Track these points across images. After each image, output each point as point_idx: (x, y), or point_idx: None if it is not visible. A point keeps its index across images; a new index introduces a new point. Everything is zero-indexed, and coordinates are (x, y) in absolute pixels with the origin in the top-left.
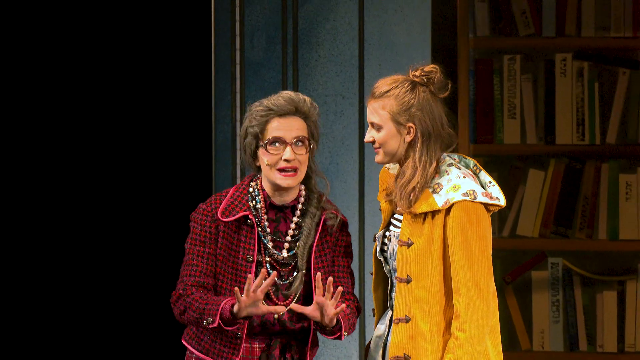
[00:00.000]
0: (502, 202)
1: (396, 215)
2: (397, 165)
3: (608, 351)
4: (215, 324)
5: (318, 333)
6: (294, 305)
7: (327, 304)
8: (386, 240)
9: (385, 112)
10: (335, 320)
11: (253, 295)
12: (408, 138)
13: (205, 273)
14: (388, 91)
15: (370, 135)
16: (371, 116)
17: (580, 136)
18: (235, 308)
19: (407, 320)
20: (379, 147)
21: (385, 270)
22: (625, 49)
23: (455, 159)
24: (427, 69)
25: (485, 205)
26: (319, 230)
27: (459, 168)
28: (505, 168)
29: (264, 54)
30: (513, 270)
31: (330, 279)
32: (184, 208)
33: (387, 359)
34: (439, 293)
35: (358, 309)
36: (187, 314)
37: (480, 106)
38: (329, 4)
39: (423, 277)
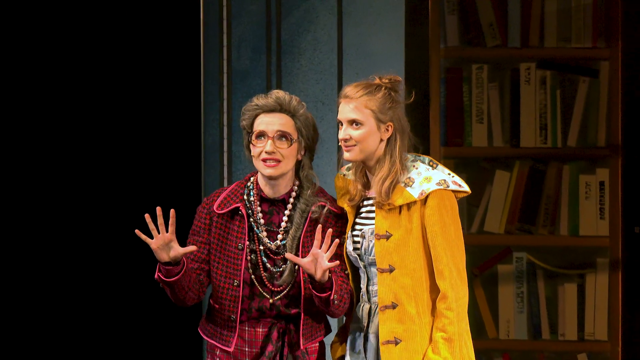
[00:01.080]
0: (467, 188)
1: (363, 215)
2: (351, 171)
3: (569, 339)
4: (155, 276)
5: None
6: (289, 255)
7: (321, 255)
8: (358, 239)
9: (368, 110)
10: (327, 277)
11: (162, 236)
12: (386, 135)
13: (192, 259)
14: (370, 92)
15: (347, 132)
16: (352, 114)
17: (543, 140)
18: (158, 254)
19: (394, 307)
20: (355, 145)
21: (360, 266)
22: (585, 59)
23: (412, 157)
24: (393, 77)
25: (454, 192)
26: (307, 223)
27: (424, 162)
28: (473, 169)
29: (249, 63)
30: (481, 264)
31: (330, 230)
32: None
33: (370, 345)
34: (422, 278)
35: (350, 293)
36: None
37: (451, 112)
38: (310, 17)
39: (406, 265)
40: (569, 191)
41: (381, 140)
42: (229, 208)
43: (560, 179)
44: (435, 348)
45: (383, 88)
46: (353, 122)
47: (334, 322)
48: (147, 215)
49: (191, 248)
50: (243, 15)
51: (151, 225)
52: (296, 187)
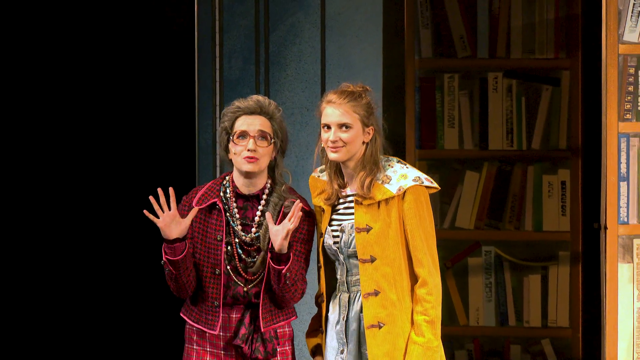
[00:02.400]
0: (436, 185)
1: (340, 211)
2: (325, 172)
3: (533, 326)
4: (163, 259)
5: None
6: (267, 214)
7: (286, 226)
8: (337, 233)
9: (356, 114)
10: (285, 249)
11: (167, 214)
12: (368, 138)
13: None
14: (355, 98)
15: (337, 135)
16: (342, 118)
17: (509, 143)
18: (165, 232)
19: (376, 294)
20: (344, 146)
21: (340, 259)
22: (548, 69)
23: (384, 158)
24: (364, 86)
25: (427, 188)
26: (279, 217)
27: (398, 162)
28: (445, 170)
29: (240, 73)
30: (452, 257)
31: (300, 206)
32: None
33: (351, 332)
34: (402, 266)
35: (303, 290)
36: (167, 279)
37: (425, 117)
38: (295, 31)
39: (386, 255)
40: (533, 190)
41: (363, 142)
42: (207, 203)
43: (525, 178)
44: (418, 331)
45: (364, 95)
46: (343, 126)
47: (302, 313)
48: (151, 197)
49: (194, 212)
50: (234, 29)
51: (156, 206)
52: (269, 185)
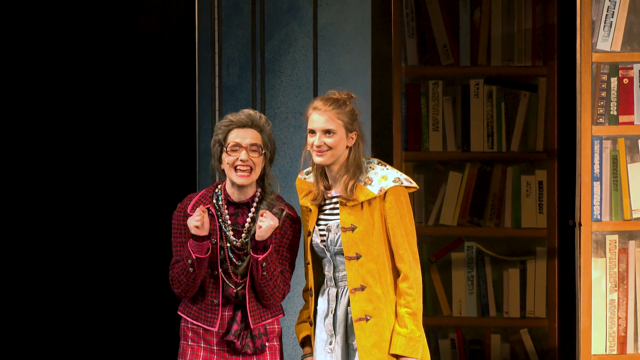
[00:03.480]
0: (415, 185)
1: (327, 212)
2: (311, 174)
3: (512, 316)
4: (193, 257)
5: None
6: (261, 210)
7: (269, 219)
8: (324, 232)
9: (340, 121)
10: (264, 238)
11: (206, 213)
12: (351, 142)
13: (182, 256)
14: (339, 105)
15: (321, 140)
16: (327, 124)
17: (490, 145)
18: (199, 232)
19: (362, 289)
20: (328, 150)
21: (327, 256)
22: (526, 76)
23: (366, 160)
24: (349, 94)
25: (407, 188)
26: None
27: (379, 164)
28: (430, 170)
29: (237, 79)
30: (436, 252)
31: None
32: (172, 204)
33: (338, 324)
34: (385, 262)
35: (285, 292)
36: (176, 281)
37: (410, 121)
38: (289, 40)
39: (370, 252)
40: (512, 189)
41: (347, 146)
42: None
43: (505, 179)
44: (401, 322)
45: (348, 103)
46: (327, 131)
47: (290, 308)
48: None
49: (205, 211)
50: (232, 38)
51: (204, 214)
52: (258, 193)
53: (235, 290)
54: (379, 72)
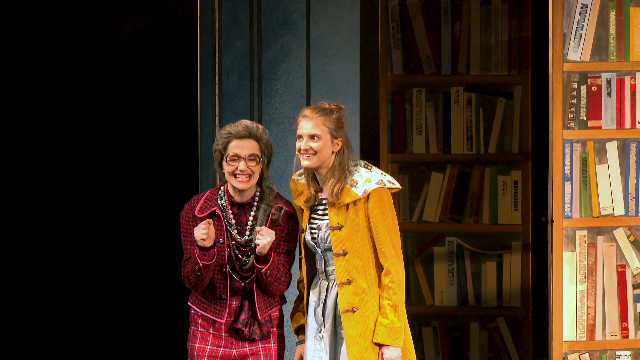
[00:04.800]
0: (398, 185)
1: (319, 212)
2: (302, 176)
3: (490, 306)
4: (200, 265)
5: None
6: (257, 229)
7: (267, 234)
8: (315, 230)
9: (325, 127)
10: (264, 253)
11: (211, 229)
12: (337, 148)
13: (191, 254)
14: (326, 113)
15: (307, 144)
16: (313, 130)
17: (469, 147)
18: (205, 244)
19: (349, 283)
20: (315, 154)
21: (318, 252)
22: (502, 84)
23: (352, 163)
24: (338, 105)
25: (389, 189)
26: (269, 221)
27: (362, 166)
28: (414, 171)
29: (236, 87)
30: (420, 247)
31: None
32: (176, 203)
33: (327, 314)
34: (369, 258)
35: (288, 282)
36: (187, 279)
37: (396, 125)
38: (284, 51)
39: (356, 249)
40: (489, 188)
41: (333, 152)
42: (208, 212)
43: (483, 178)
44: (383, 313)
45: (335, 112)
46: (313, 137)
47: (289, 296)
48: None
49: (210, 223)
50: (231, 49)
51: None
52: (258, 193)
53: (242, 284)
54: (366, 80)
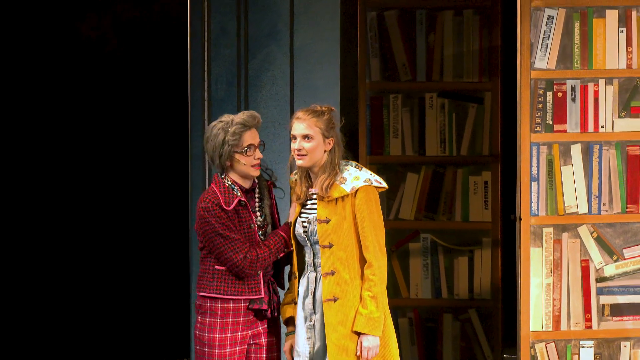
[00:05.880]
0: (384, 184)
1: (308, 207)
2: (297, 176)
3: (462, 298)
4: (283, 251)
5: None
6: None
7: None
8: (305, 223)
9: (317, 128)
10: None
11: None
12: (328, 148)
13: (242, 241)
14: (317, 115)
15: (301, 145)
16: (305, 130)
17: (442, 150)
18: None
19: (333, 273)
20: (306, 154)
21: (308, 245)
22: (473, 90)
23: (344, 162)
24: (329, 107)
25: (376, 188)
26: (272, 195)
27: (353, 166)
28: (391, 172)
29: (224, 93)
30: (396, 243)
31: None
32: (167, 201)
33: (317, 304)
34: (353, 252)
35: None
36: (261, 264)
37: (374, 129)
38: (269, 59)
39: (341, 242)
40: (461, 188)
41: (325, 151)
42: (234, 203)
43: (455, 179)
44: (363, 304)
45: (326, 113)
46: (306, 137)
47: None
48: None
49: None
50: (220, 58)
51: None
52: (255, 179)
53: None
54: (346, 87)
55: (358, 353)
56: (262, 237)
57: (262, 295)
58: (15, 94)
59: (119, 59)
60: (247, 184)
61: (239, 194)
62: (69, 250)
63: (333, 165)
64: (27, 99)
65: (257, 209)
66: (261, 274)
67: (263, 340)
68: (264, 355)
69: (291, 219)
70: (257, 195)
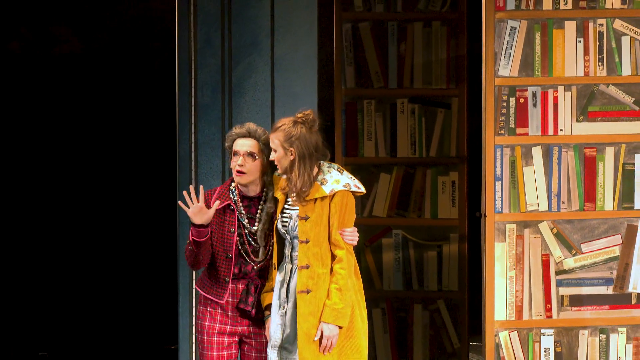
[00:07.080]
0: (363, 189)
1: (290, 203)
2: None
3: (431, 290)
4: (190, 239)
5: None
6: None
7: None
8: (286, 219)
9: (278, 140)
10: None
11: (195, 205)
12: (291, 157)
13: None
14: (279, 127)
15: (272, 156)
16: (271, 143)
17: (413, 152)
18: (194, 220)
19: (307, 267)
20: (278, 163)
21: (287, 238)
22: (442, 96)
23: (327, 165)
24: (306, 112)
25: (354, 193)
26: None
27: (336, 169)
28: (365, 172)
29: (210, 99)
30: (370, 238)
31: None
32: (156, 196)
33: (290, 294)
34: (328, 249)
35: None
36: (186, 257)
37: (349, 132)
38: (252, 67)
39: (317, 239)
40: (430, 187)
41: (289, 160)
42: (223, 204)
43: (425, 179)
44: (330, 296)
45: (291, 123)
46: (272, 150)
47: None
48: (184, 192)
49: (216, 206)
50: (205, 66)
51: (187, 198)
52: (265, 189)
53: (255, 267)
54: (323, 93)
55: (316, 339)
56: (253, 244)
57: (223, 302)
58: (6, 98)
59: (112, 67)
60: (246, 191)
61: (233, 198)
62: (66, 249)
63: (297, 173)
64: (18, 103)
65: (253, 216)
66: (230, 279)
67: (255, 341)
68: (254, 355)
69: (276, 214)
70: (260, 206)
